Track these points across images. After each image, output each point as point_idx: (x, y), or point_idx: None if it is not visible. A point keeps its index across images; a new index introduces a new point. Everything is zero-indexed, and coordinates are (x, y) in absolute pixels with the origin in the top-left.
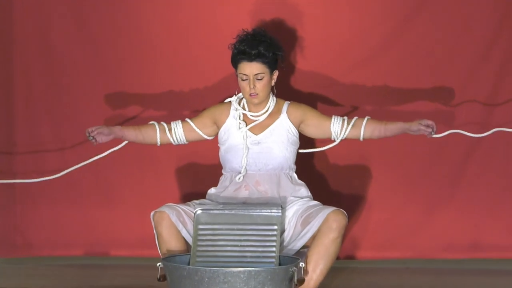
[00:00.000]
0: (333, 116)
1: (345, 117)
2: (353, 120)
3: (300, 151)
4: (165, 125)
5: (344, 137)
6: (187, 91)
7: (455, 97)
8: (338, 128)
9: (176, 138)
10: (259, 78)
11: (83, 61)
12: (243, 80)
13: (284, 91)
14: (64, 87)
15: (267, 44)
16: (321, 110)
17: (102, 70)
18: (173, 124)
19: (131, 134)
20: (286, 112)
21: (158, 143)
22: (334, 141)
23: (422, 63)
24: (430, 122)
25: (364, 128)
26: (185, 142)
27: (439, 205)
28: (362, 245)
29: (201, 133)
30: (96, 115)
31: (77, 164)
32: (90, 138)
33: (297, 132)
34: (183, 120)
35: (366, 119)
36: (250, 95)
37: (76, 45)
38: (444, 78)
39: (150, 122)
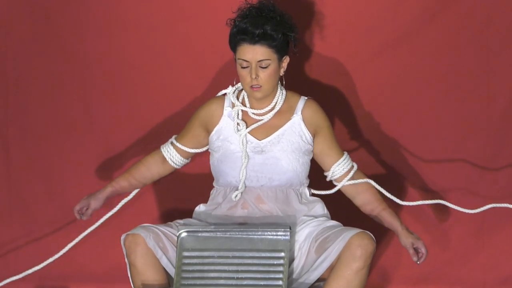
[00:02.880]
0: (345, 155)
1: (355, 165)
2: (353, 173)
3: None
4: (156, 158)
5: (339, 187)
6: (174, 82)
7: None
8: (338, 173)
9: (177, 165)
10: (263, 66)
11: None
12: (243, 67)
13: (296, 80)
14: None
15: (276, 22)
16: (342, 107)
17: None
18: (165, 154)
19: (125, 186)
20: (301, 113)
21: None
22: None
23: (467, 44)
24: (423, 251)
25: (359, 195)
26: (187, 162)
27: (496, 225)
28: (395, 278)
29: (198, 151)
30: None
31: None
32: (84, 217)
33: (312, 139)
34: (172, 143)
35: (368, 186)
36: (252, 87)
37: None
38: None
39: (139, 162)
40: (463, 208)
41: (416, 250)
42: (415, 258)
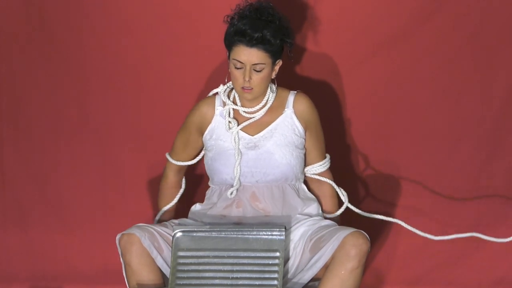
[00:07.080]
0: (326, 159)
1: (325, 179)
2: (322, 179)
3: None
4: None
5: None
6: (171, 85)
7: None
8: (313, 173)
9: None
10: (257, 69)
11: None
12: (236, 68)
13: (290, 81)
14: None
15: (275, 27)
16: (335, 106)
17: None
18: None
19: (171, 216)
20: (292, 106)
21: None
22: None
23: (462, 44)
24: None
25: (320, 198)
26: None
27: (489, 228)
28: (389, 278)
29: (198, 159)
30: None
31: None
32: None
33: (304, 132)
34: (170, 163)
35: (330, 193)
36: (243, 88)
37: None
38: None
39: (161, 195)
40: (494, 238)
41: None
42: None
